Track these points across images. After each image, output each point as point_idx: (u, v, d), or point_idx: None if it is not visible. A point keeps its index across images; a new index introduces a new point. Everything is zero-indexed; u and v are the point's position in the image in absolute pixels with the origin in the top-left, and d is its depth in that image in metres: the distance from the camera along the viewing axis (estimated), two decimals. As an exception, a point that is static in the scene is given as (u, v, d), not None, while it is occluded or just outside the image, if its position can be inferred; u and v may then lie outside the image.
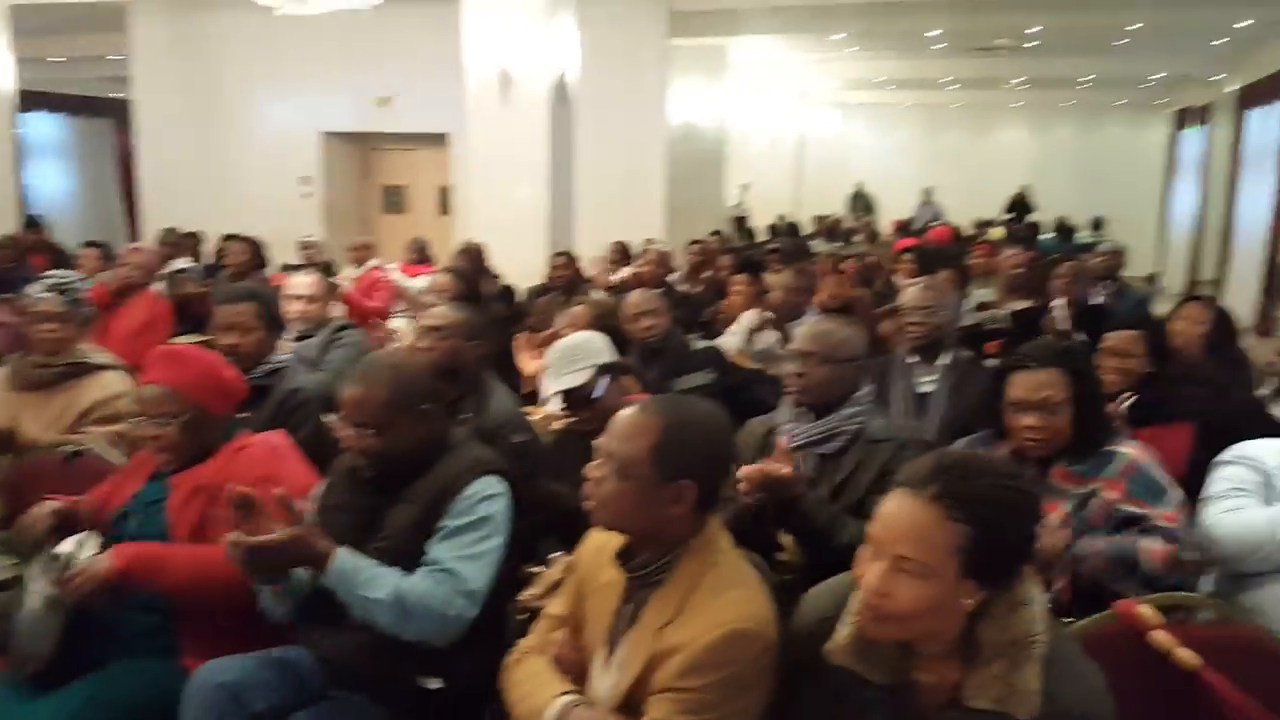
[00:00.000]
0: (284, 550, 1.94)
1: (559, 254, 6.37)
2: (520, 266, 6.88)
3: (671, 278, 6.57)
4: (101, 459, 2.82)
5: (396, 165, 11.22)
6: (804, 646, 1.61)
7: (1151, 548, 2.10)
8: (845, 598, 1.56)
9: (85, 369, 3.19)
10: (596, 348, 2.82)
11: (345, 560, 1.99)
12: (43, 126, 14.29)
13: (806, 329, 2.53)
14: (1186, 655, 1.77)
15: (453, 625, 2.01)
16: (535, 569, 2.49)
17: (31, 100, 11.59)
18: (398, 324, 5.46)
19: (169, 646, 2.21)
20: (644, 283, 5.89)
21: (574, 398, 2.75)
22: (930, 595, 1.39)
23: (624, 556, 1.76)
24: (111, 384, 3.18)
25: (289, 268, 6.67)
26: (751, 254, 6.98)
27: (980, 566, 1.39)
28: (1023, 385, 2.25)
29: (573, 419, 2.85)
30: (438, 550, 2.06)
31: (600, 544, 1.85)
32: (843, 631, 1.54)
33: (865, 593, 1.44)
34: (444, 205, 10.72)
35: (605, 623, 1.77)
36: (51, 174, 14.60)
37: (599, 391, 2.71)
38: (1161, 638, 1.79)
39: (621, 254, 7.43)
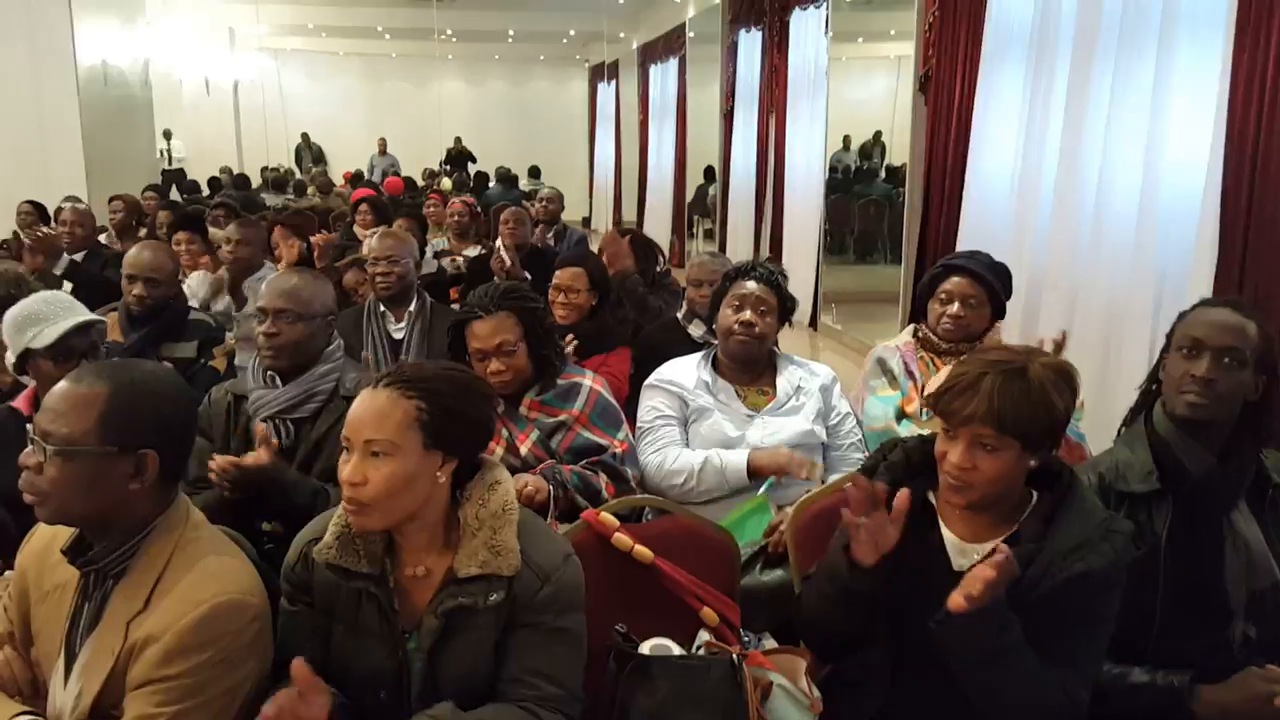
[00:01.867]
0: None
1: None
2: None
3: (102, 238, 5.84)
4: None
5: None
6: (296, 571, 1.63)
7: (606, 484, 2.38)
8: (330, 519, 1.64)
9: None
10: (67, 303, 2.47)
11: None
12: None
13: (274, 285, 2.37)
14: (643, 551, 2.02)
15: None
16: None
17: None
18: None
19: None
20: (60, 246, 5.17)
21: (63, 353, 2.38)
22: (401, 470, 1.52)
23: (75, 551, 1.56)
24: None
25: None
26: (191, 209, 6.43)
27: (440, 435, 1.55)
28: (479, 335, 2.38)
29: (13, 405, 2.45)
30: None
31: (46, 543, 1.63)
32: (328, 533, 1.60)
33: (344, 487, 1.52)
34: None
35: (60, 629, 1.57)
36: None
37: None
38: (621, 539, 2.03)
39: (36, 214, 6.42)
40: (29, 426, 1.57)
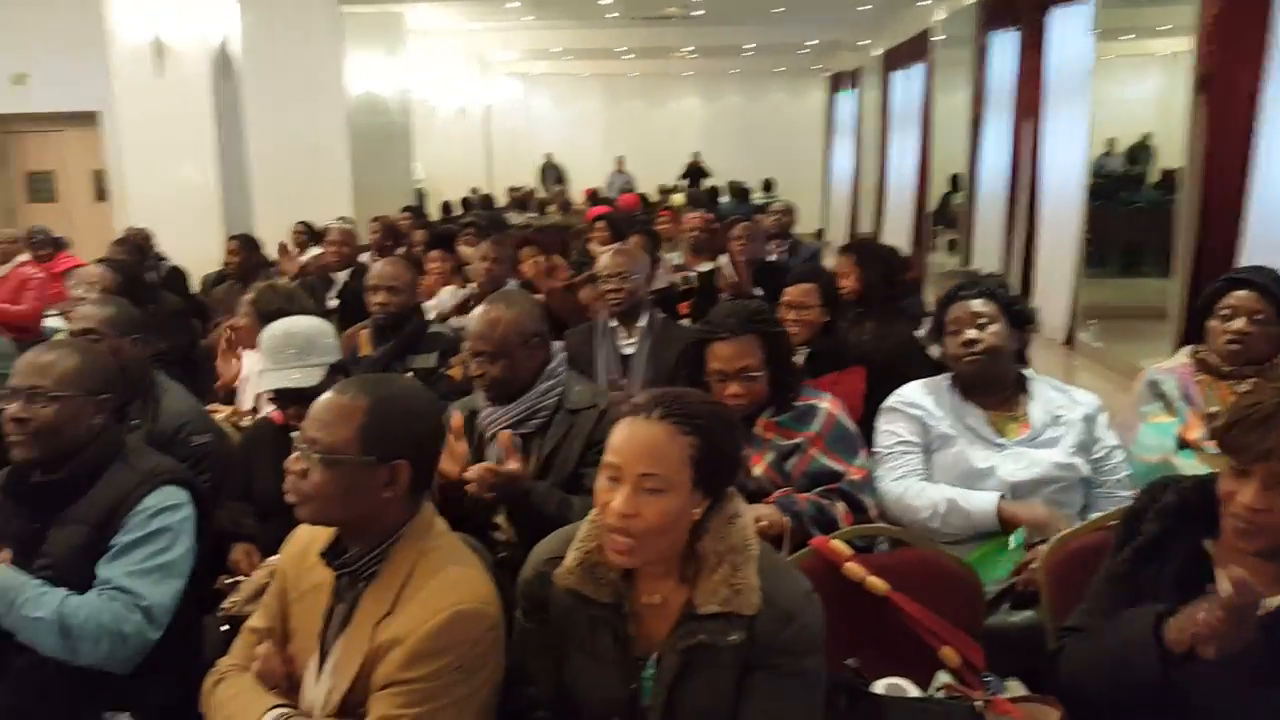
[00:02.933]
0: None
1: (233, 238, 5.94)
2: (195, 253, 6.37)
3: (362, 257, 6.30)
4: None
5: (40, 149, 10.06)
6: (533, 588, 1.64)
7: (844, 514, 2.26)
8: (569, 538, 1.62)
9: None
10: (329, 344, 2.59)
11: (3, 577, 1.80)
12: None
13: (471, 327, 2.41)
14: (876, 582, 1.92)
15: (131, 647, 1.84)
16: (233, 579, 2.33)
17: None
18: (53, 323, 4.83)
19: None
20: (329, 264, 5.62)
21: (291, 395, 2.50)
22: (674, 507, 1.49)
23: (331, 553, 1.65)
24: None
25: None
26: (444, 229, 6.84)
27: (708, 475, 1.51)
28: (721, 356, 2.32)
29: (270, 416, 2.65)
30: (108, 569, 1.88)
31: (304, 545, 1.73)
32: (569, 557, 1.59)
33: (613, 517, 1.49)
34: (99, 191, 9.72)
35: (315, 628, 1.65)
36: None
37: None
38: (853, 568, 1.93)
39: (307, 233, 7.03)
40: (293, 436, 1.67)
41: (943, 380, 2.56)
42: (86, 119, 9.07)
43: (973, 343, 2.43)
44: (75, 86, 8.68)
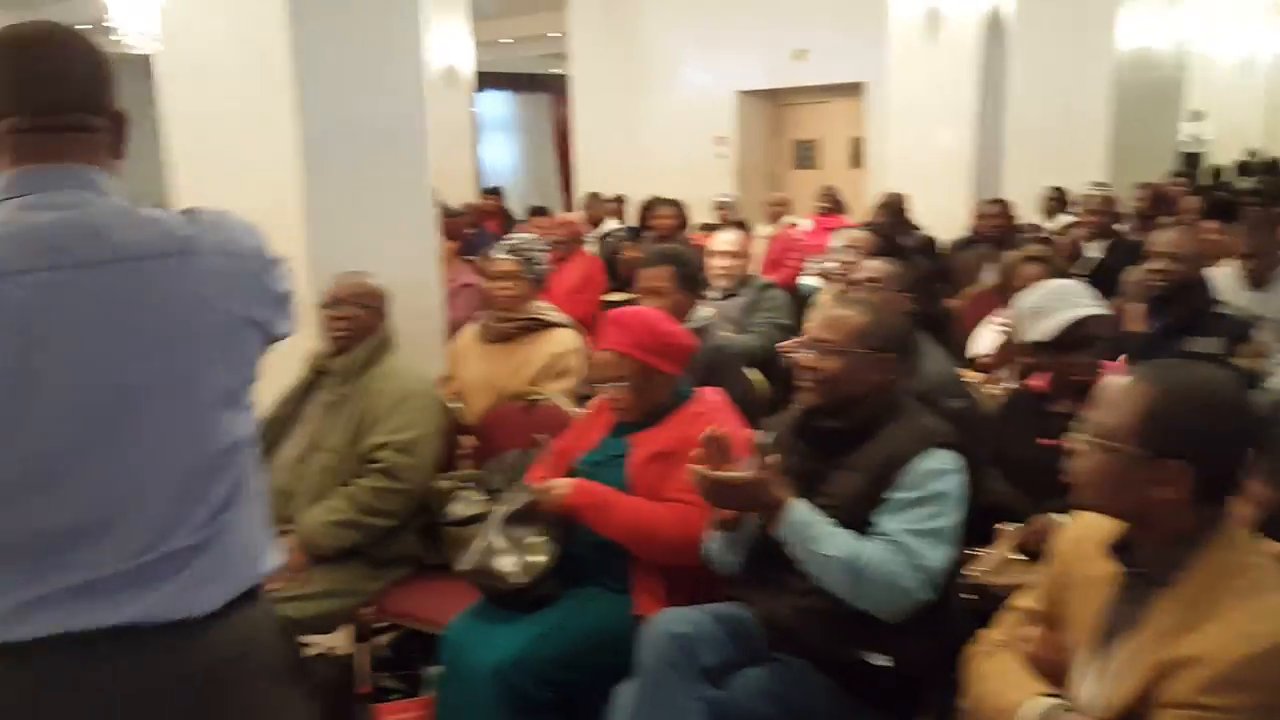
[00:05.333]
0: (743, 489, 1.95)
1: (991, 202, 5.91)
2: (940, 217, 6.52)
3: (1118, 226, 5.86)
4: (557, 408, 3.01)
5: (807, 119, 11.16)
6: None
7: None
8: None
9: (540, 325, 3.39)
10: (1074, 297, 2.50)
11: (801, 511, 1.95)
12: (493, 104, 15.80)
13: None
14: None
15: (905, 600, 1.89)
16: (978, 550, 2.30)
17: (484, 80, 12.73)
18: (810, 281, 5.33)
19: (623, 586, 2.33)
20: (1080, 235, 5.31)
21: (1045, 349, 2.43)
22: None
23: (1119, 549, 1.53)
24: (564, 340, 3.35)
25: (707, 227, 6.80)
26: (1224, 196, 6.03)
27: None
28: None
29: (1028, 384, 2.58)
30: (888, 523, 1.95)
31: (1084, 532, 1.63)
32: None
33: None
34: (855, 158, 10.48)
35: (1093, 622, 1.55)
36: (500, 147, 16.09)
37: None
38: None
39: (1057, 200, 6.76)
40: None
41: None
42: (851, 90, 9.77)
43: None
44: (846, 59, 9.36)
